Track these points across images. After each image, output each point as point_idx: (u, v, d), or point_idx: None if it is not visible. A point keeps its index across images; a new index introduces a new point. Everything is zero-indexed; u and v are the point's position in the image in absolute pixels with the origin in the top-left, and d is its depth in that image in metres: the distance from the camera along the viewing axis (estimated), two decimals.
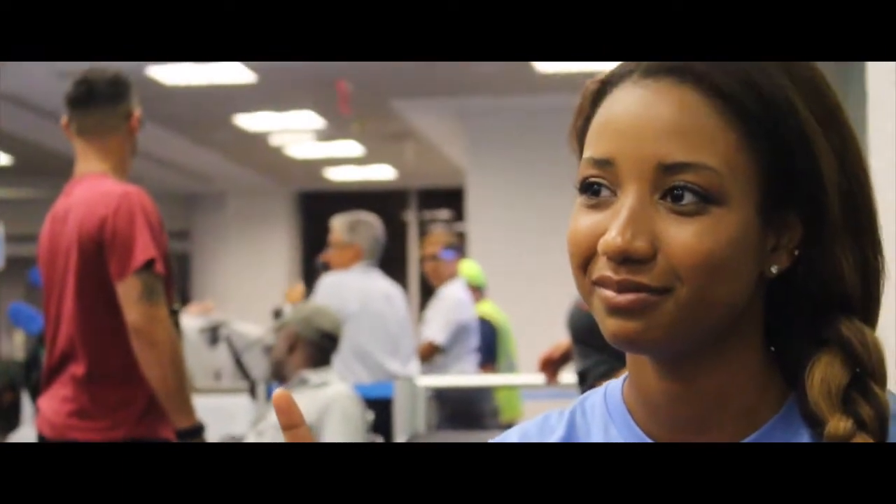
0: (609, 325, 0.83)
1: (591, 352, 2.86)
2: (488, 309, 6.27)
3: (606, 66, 0.88)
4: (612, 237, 0.81)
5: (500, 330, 6.29)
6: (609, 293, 0.82)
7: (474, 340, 5.82)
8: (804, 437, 0.85)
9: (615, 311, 0.82)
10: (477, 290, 6.17)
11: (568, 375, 4.97)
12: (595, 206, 0.83)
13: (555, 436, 0.92)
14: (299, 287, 5.38)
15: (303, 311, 4.09)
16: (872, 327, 0.86)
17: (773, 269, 0.84)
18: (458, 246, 6.04)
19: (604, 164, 0.83)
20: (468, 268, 6.24)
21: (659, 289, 0.81)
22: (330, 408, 3.77)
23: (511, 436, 0.94)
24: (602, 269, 0.82)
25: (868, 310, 0.86)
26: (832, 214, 0.83)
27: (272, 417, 3.85)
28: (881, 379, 0.84)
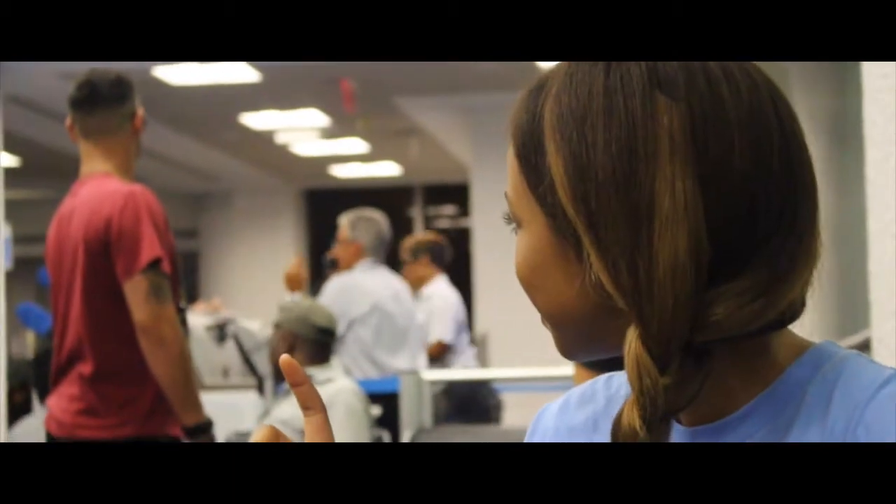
0: None
1: None
2: None
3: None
4: None
5: None
6: None
7: (467, 335, 5.99)
8: (790, 412, 0.86)
9: None
10: None
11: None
12: None
13: (592, 404, 0.97)
14: (297, 266, 5.24)
15: (296, 310, 4.08)
16: (654, 317, 0.82)
17: (594, 277, 0.85)
18: (430, 247, 5.93)
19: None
20: None
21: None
22: (333, 403, 3.80)
23: (573, 394, 0.99)
24: None
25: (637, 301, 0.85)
26: (571, 219, 0.85)
27: (277, 413, 3.89)
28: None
